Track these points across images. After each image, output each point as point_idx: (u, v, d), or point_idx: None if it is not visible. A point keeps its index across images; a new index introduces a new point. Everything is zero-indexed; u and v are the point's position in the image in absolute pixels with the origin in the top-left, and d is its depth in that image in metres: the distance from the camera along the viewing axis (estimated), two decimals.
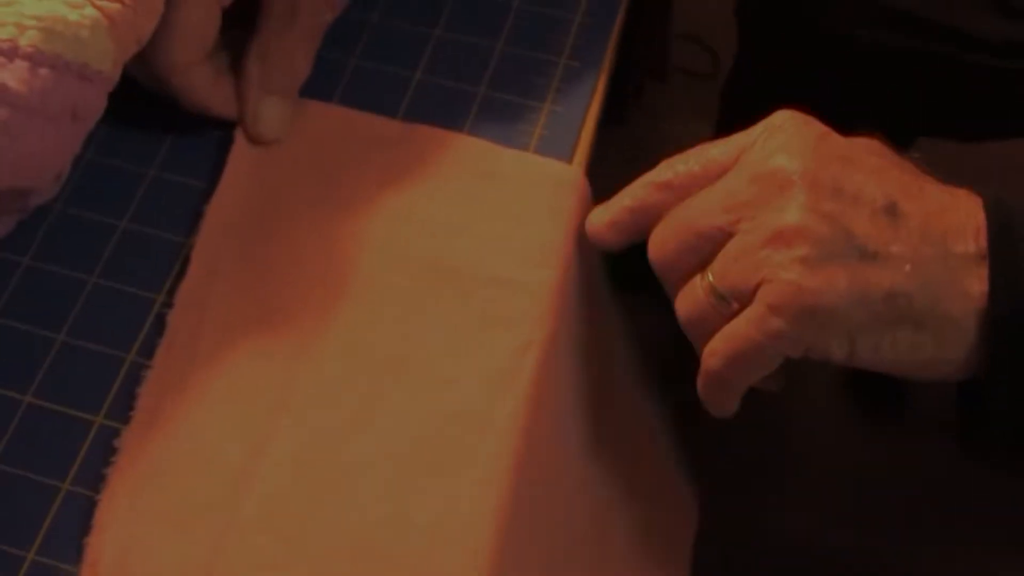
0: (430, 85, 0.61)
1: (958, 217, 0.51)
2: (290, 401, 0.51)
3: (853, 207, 0.50)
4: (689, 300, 0.52)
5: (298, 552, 0.48)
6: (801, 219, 0.50)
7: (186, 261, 0.55)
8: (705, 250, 0.52)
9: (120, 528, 0.48)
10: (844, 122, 0.58)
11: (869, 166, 0.52)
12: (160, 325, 0.53)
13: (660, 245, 0.54)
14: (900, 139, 1.05)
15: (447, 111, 0.59)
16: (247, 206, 0.56)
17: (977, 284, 0.50)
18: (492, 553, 0.49)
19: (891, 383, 1.35)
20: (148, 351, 0.53)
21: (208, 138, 0.59)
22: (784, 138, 0.53)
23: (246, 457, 0.50)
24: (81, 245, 0.56)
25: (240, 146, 0.58)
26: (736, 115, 0.58)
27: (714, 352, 0.51)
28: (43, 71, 0.50)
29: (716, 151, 0.54)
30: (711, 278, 0.52)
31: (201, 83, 0.57)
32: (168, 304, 0.54)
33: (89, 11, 0.52)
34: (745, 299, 0.51)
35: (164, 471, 0.50)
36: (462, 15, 0.63)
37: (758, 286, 0.50)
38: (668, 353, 0.63)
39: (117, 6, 0.53)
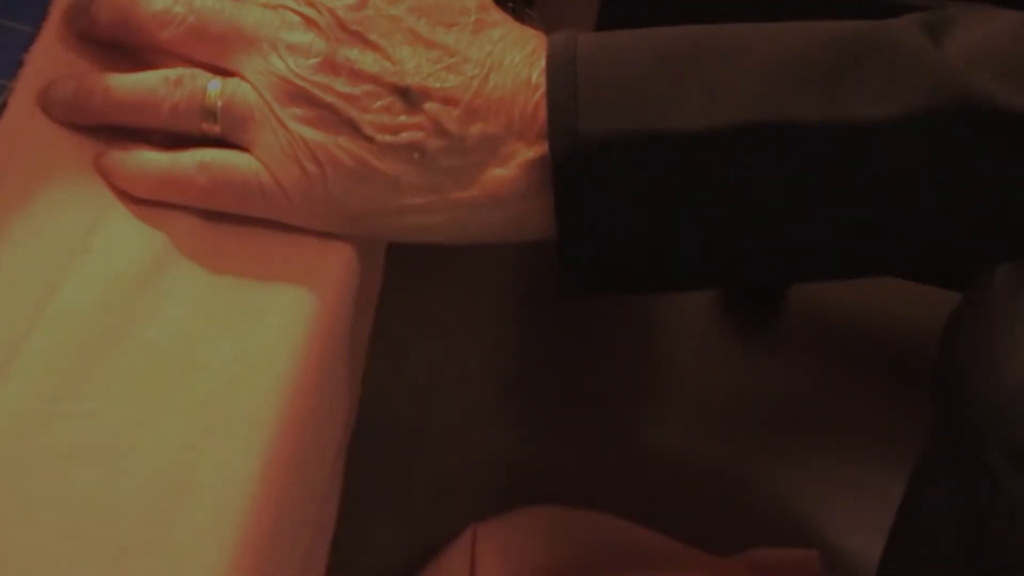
0: None
1: (496, 90, 0.51)
2: (93, 244, 0.51)
3: (366, 93, 0.50)
4: (171, 98, 0.51)
5: (86, 387, 0.47)
6: (308, 112, 0.50)
7: (4, 106, 0.53)
8: (222, 54, 0.52)
9: None
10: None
11: (401, 37, 0.51)
12: None
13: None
14: None
15: None
16: (70, 52, 0.55)
17: (498, 168, 0.50)
18: (293, 393, 0.49)
19: (767, 300, 1.37)
20: None
21: None
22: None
23: (39, 295, 0.49)
24: None
25: None
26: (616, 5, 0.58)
27: (206, 170, 0.51)
28: None
29: None
30: (215, 95, 0.51)
31: None
32: None
33: None
34: (237, 140, 0.51)
35: None
36: None
37: (263, 139, 0.50)
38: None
39: None
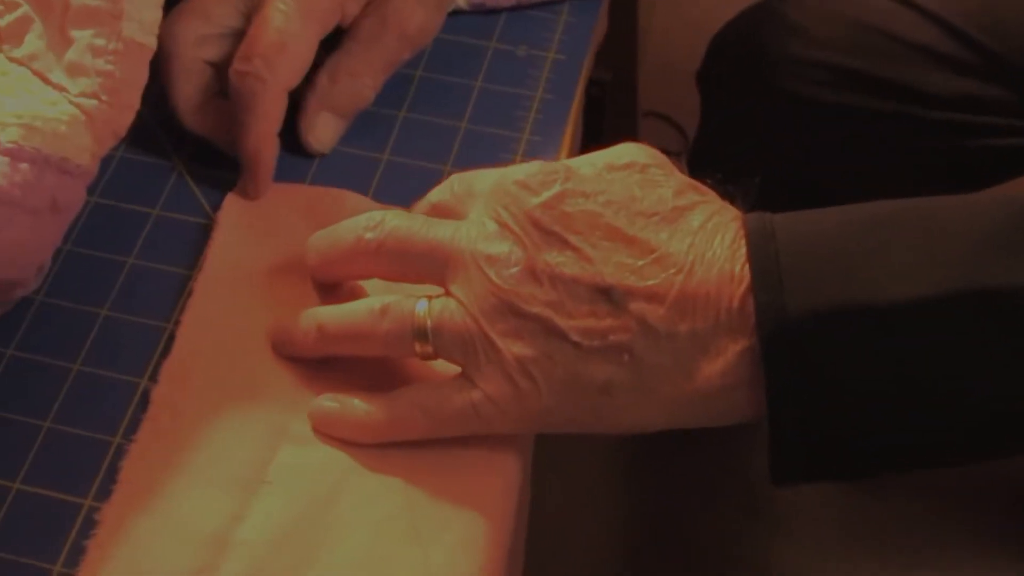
0: (398, 165, 0.63)
1: (701, 286, 0.50)
2: (270, 472, 0.52)
3: (570, 297, 0.50)
4: (381, 326, 0.52)
5: None
6: (516, 324, 0.50)
7: (168, 343, 0.56)
8: (427, 272, 0.53)
9: None
10: (807, 185, 0.59)
11: (599, 234, 0.51)
12: (145, 406, 0.54)
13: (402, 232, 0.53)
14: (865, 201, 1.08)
15: (415, 188, 0.61)
16: (231, 286, 0.58)
17: (708, 365, 0.49)
18: None
19: None
20: (134, 433, 0.54)
21: (182, 226, 0.61)
22: (507, 214, 0.52)
23: (225, 527, 0.51)
24: (63, 334, 0.57)
25: (222, 232, 0.60)
26: (702, 183, 0.59)
27: (425, 409, 0.52)
28: (23, 166, 0.52)
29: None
30: (424, 314, 0.52)
31: (207, 124, 0.63)
32: (152, 385, 0.55)
33: (66, 107, 0.54)
34: (451, 359, 0.52)
35: (142, 541, 0.51)
36: (426, 98, 0.66)
37: (475, 358, 0.51)
38: None
39: (94, 102, 0.55)
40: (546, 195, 0.51)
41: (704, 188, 0.53)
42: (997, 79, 0.96)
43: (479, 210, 0.52)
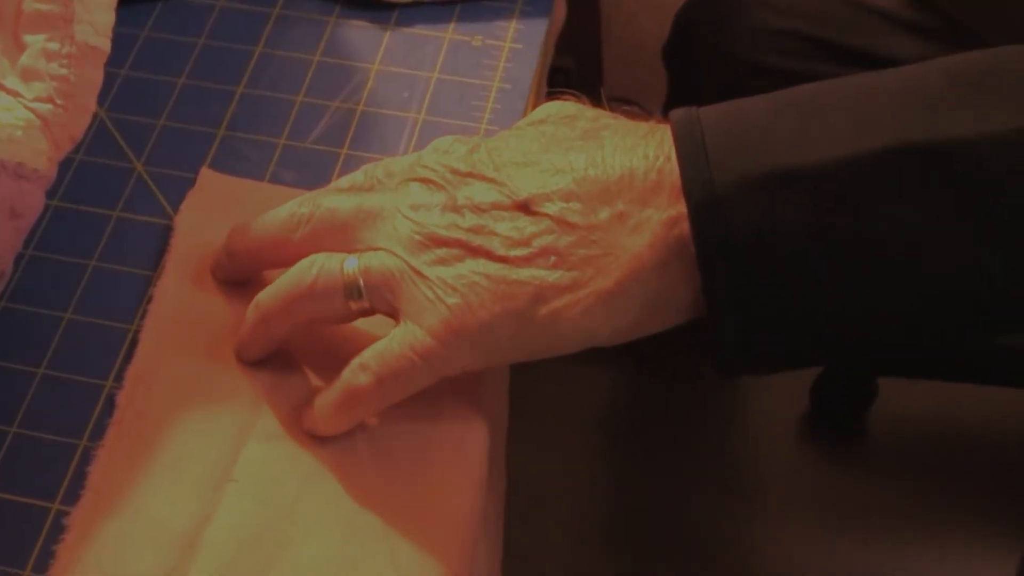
0: (357, 159, 0.63)
1: (615, 170, 0.50)
2: (236, 471, 0.53)
3: (491, 219, 0.51)
4: (309, 276, 0.52)
5: None
6: (441, 254, 0.51)
7: (132, 344, 0.56)
8: (357, 239, 0.53)
9: None
10: None
11: (514, 165, 0.52)
12: (110, 409, 0.55)
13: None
14: None
15: None
16: (192, 286, 0.58)
17: (634, 240, 0.49)
18: None
19: (848, 418, 1.38)
20: (100, 435, 0.54)
21: (144, 228, 0.61)
22: (426, 172, 0.53)
23: (194, 528, 0.51)
24: (27, 338, 0.57)
25: (182, 232, 0.60)
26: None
27: (366, 368, 0.52)
28: None
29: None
30: (353, 269, 0.52)
31: None
32: (117, 388, 0.55)
33: (22, 112, 0.54)
34: (385, 307, 0.52)
35: (110, 544, 0.51)
36: (383, 90, 0.66)
37: (404, 292, 0.51)
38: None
39: (49, 107, 0.55)
40: (463, 150, 0.54)
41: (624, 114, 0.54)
42: (958, 43, 0.97)
43: (402, 180, 0.54)
